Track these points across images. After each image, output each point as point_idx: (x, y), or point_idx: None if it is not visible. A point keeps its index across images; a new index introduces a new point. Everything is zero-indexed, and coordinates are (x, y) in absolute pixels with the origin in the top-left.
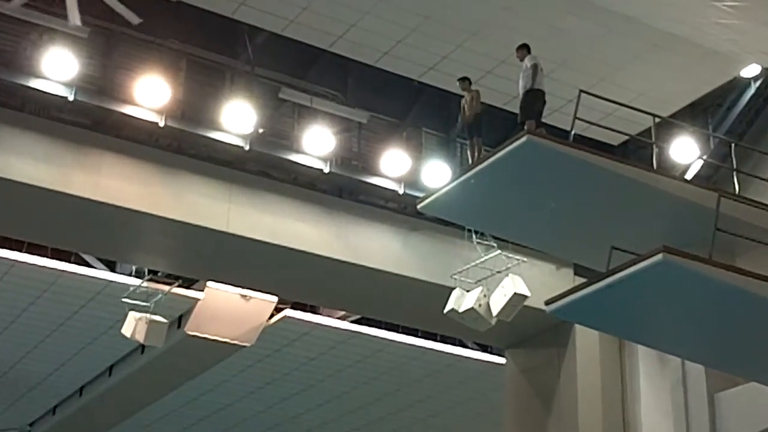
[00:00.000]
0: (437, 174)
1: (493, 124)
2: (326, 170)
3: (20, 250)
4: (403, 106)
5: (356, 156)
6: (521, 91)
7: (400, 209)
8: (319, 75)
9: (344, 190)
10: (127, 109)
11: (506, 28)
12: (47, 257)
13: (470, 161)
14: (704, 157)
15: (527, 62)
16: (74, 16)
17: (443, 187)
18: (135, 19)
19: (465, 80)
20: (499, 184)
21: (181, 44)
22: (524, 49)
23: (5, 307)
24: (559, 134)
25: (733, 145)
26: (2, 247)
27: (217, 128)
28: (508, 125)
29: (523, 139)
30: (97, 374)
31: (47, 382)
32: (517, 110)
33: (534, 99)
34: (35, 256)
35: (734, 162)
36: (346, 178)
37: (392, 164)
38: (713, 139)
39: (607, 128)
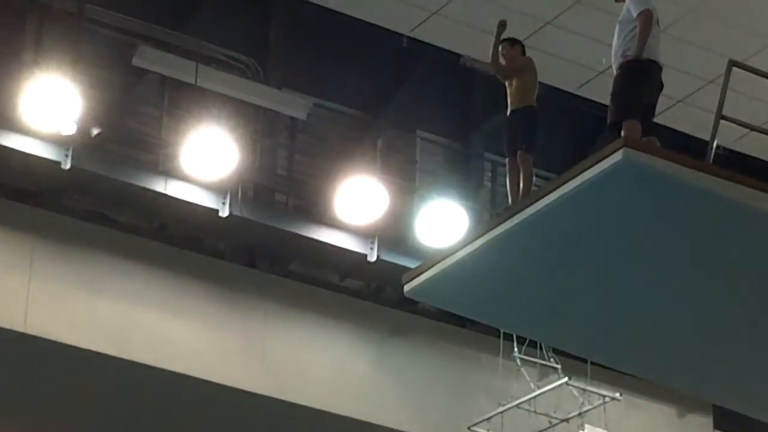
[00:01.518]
0: (442, 222)
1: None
2: (223, 213)
3: None
4: (376, 86)
5: (283, 184)
6: (615, 62)
7: (370, 292)
8: (210, 24)
9: (260, 254)
10: None
11: None
12: None
13: (509, 199)
14: None
15: (630, 5)
16: None
17: (454, 250)
18: None
19: (514, 41)
20: (564, 245)
21: None
22: None
23: None
24: (675, 146)
25: None
26: None
27: (12, 128)
28: (577, 127)
29: (618, 155)
30: None
31: None
32: (592, 97)
33: (640, 78)
34: None
35: None
36: (263, 229)
37: (355, 202)
38: None
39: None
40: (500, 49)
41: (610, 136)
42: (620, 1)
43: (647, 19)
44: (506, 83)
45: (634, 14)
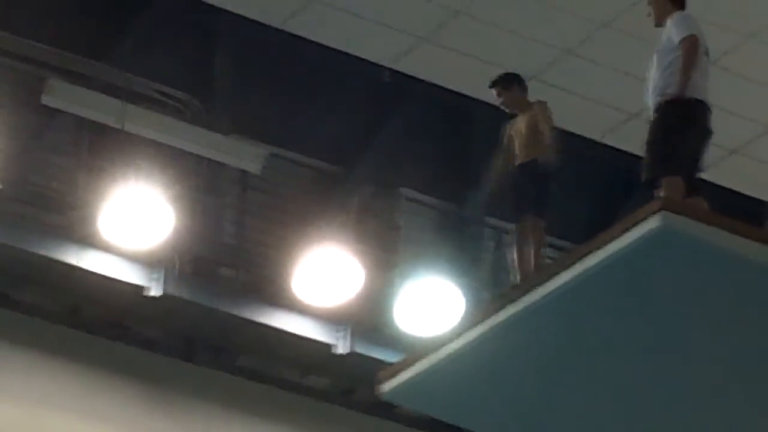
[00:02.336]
0: (430, 305)
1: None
2: (155, 292)
3: None
4: (352, 129)
5: (231, 255)
6: (652, 102)
7: (337, 393)
8: (138, 50)
9: (200, 345)
10: None
11: None
12: None
13: (517, 275)
14: None
15: (672, 28)
16: None
17: (444, 340)
18: None
19: (508, 82)
20: (585, 330)
21: None
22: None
23: None
24: (728, 208)
25: None
26: None
27: None
28: (602, 185)
29: (656, 219)
30: None
31: None
32: (621, 146)
33: (684, 123)
34: None
35: None
36: (204, 312)
37: (321, 280)
38: None
39: None
40: (494, 93)
41: (645, 196)
42: (660, 25)
43: (693, 47)
44: (519, 129)
45: (676, 41)
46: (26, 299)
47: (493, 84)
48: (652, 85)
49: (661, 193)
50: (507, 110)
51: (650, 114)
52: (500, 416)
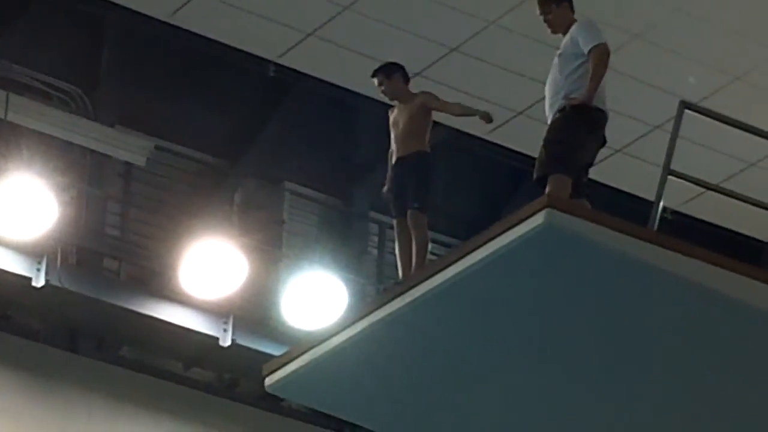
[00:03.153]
0: (312, 297)
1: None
2: (38, 283)
3: None
4: (236, 123)
5: (115, 247)
6: (553, 103)
7: (221, 385)
8: (21, 39)
9: (83, 335)
10: None
11: None
12: None
13: (400, 272)
14: None
15: (576, 35)
16: None
17: (329, 333)
18: None
19: (391, 69)
20: (468, 326)
21: None
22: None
23: None
24: (611, 207)
25: None
26: None
27: None
28: (487, 181)
29: (540, 216)
30: None
31: None
32: (506, 143)
33: (585, 129)
34: None
35: None
36: (87, 303)
37: (205, 272)
38: None
39: (734, 196)
40: (375, 83)
41: (531, 193)
42: (557, 32)
43: (604, 57)
44: (400, 119)
45: (585, 49)
46: None
47: (375, 72)
48: (554, 88)
49: (548, 190)
50: (389, 100)
51: (549, 114)
52: (384, 410)
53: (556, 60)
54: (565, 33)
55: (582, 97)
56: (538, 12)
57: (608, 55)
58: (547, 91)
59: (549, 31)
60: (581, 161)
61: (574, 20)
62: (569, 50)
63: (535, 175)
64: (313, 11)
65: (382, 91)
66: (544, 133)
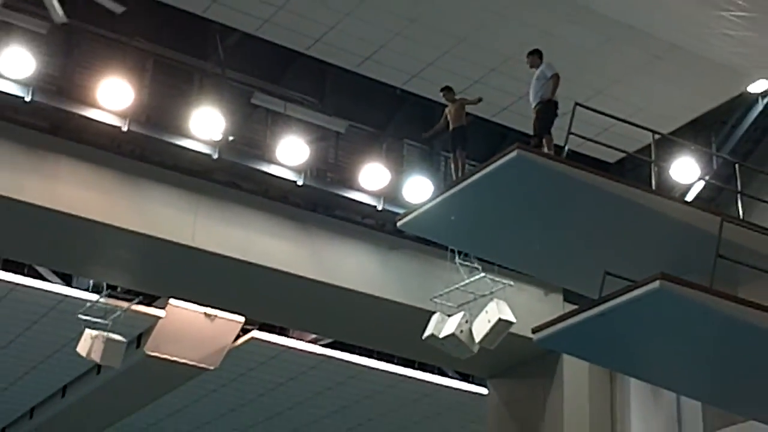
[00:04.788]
0: (419, 189)
1: (479, 136)
2: (300, 182)
3: None
4: (383, 115)
5: (333, 168)
6: (534, 102)
7: (379, 226)
8: (294, 79)
9: (319, 205)
10: (87, 112)
11: (497, 35)
12: None
13: (453, 176)
14: (706, 177)
15: (545, 70)
16: (56, 10)
17: (425, 203)
18: (118, 9)
19: (449, 90)
20: (486, 201)
21: (148, 43)
22: (536, 54)
23: None
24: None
25: (737, 165)
26: None
27: (184, 134)
28: (495, 138)
29: (513, 154)
30: (50, 395)
31: None
32: (504, 122)
33: (550, 111)
34: None
35: (738, 184)
36: (322, 192)
37: (371, 178)
38: (716, 159)
39: (603, 144)
40: (529, 63)
41: (536, 142)
42: (534, 67)
43: (558, 79)
44: (452, 111)
45: (548, 74)
46: None
47: (446, 89)
48: (535, 93)
49: (545, 143)
50: (445, 102)
51: (533, 107)
52: (464, 238)
53: (534, 81)
54: (537, 68)
55: (547, 96)
56: (527, 63)
57: (559, 78)
58: (531, 95)
59: (528, 67)
60: (550, 126)
61: (541, 63)
62: (541, 76)
63: (533, 134)
64: None
65: (447, 99)
66: (533, 115)
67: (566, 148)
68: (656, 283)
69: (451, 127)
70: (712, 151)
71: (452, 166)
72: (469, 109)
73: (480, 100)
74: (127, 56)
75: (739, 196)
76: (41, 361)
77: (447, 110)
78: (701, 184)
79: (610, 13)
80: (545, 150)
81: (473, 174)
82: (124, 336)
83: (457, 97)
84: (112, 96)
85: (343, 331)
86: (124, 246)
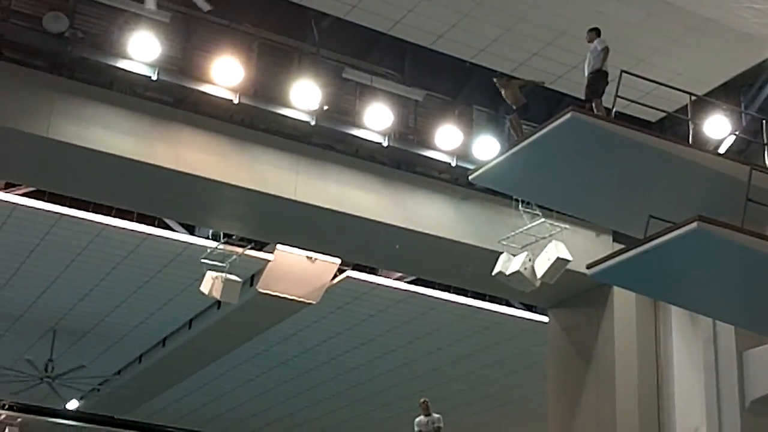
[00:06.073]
0: (487, 147)
1: (539, 101)
2: (385, 144)
3: (109, 215)
4: (455, 85)
5: (413, 131)
6: (588, 71)
7: (453, 180)
8: (379, 56)
9: (402, 163)
10: (204, 88)
11: (551, 13)
12: (133, 221)
13: (515, 136)
14: (737, 132)
15: (597, 44)
16: (150, 1)
17: (493, 159)
18: (206, 7)
19: (500, 77)
20: (545, 157)
21: (254, 28)
22: (594, 32)
23: (96, 266)
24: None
25: (764, 121)
26: (93, 212)
27: (286, 105)
28: (552, 103)
29: (568, 115)
30: (178, 327)
31: (133, 334)
32: (560, 88)
33: (601, 79)
34: (122, 221)
35: (765, 137)
36: (404, 151)
37: (446, 138)
38: (745, 116)
39: (646, 106)
40: (587, 39)
41: (587, 105)
42: (591, 42)
43: (607, 52)
44: (509, 95)
45: (600, 48)
46: None
47: (499, 76)
48: (589, 64)
49: (594, 105)
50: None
51: (587, 75)
52: (541, 191)
53: (588, 55)
54: (593, 42)
55: (598, 67)
56: (586, 39)
57: (608, 52)
58: (585, 65)
59: (587, 42)
60: (602, 91)
61: (597, 38)
62: (594, 50)
63: (584, 98)
64: None
65: (500, 85)
66: (585, 82)
67: (614, 109)
68: (694, 224)
69: (514, 108)
70: (741, 109)
71: (511, 129)
72: (531, 76)
73: (543, 83)
74: (237, 39)
75: (766, 147)
76: (171, 299)
77: (504, 95)
78: (732, 138)
79: None
80: (596, 112)
81: (534, 133)
82: (239, 276)
83: (518, 77)
84: (225, 73)
85: (424, 269)
86: (237, 200)
